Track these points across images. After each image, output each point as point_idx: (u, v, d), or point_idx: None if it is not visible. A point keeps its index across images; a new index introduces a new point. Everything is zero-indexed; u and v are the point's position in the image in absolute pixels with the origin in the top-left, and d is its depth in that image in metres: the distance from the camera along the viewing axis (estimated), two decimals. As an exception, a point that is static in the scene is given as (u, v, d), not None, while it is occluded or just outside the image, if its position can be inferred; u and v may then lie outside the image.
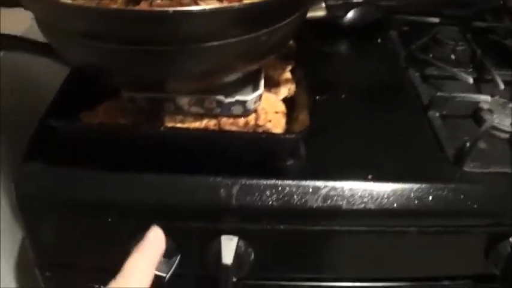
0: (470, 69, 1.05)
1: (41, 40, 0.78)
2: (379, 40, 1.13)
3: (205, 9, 0.60)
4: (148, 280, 0.55)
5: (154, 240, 0.61)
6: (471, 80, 0.96)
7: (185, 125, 0.76)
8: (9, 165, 0.93)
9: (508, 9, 1.32)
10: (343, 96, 0.90)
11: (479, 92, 1.00)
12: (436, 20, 1.16)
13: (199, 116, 0.77)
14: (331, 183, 0.75)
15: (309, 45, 0.91)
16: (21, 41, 0.85)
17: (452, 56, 1.11)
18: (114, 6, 0.66)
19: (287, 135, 0.74)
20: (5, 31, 0.83)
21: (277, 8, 0.66)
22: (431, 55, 1.09)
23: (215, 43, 0.64)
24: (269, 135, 0.74)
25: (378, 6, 0.87)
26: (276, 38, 0.69)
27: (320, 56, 0.95)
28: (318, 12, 0.77)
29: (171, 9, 0.59)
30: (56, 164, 0.75)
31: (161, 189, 0.74)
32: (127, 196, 0.74)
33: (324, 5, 0.77)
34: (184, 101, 0.75)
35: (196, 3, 0.64)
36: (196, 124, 0.76)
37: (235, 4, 0.62)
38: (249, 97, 0.75)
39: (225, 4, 0.65)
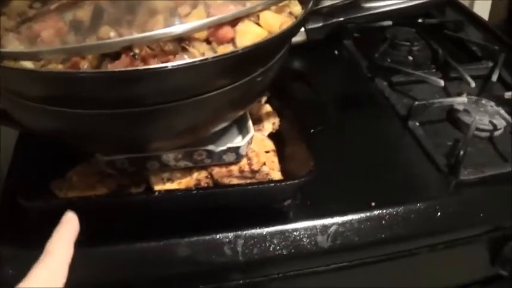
0: (434, 70, 1.06)
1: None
2: (336, 52, 1.10)
3: (206, 59, 0.55)
4: (68, 256, 0.59)
5: (68, 221, 0.63)
6: (442, 83, 0.95)
7: (174, 183, 0.71)
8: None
9: (453, 2, 1.33)
10: (328, 119, 0.87)
11: (447, 92, 1.00)
12: (389, 23, 1.14)
13: (188, 170, 0.73)
14: (338, 219, 0.73)
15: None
16: None
17: (410, 58, 1.10)
18: (86, 64, 0.58)
19: (294, 181, 0.70)
20: None
21: (275, 45, 0.64)
22: (389, 60, 1.08)
23: (209, 95, 0.59)
24: (275, 185, 0.69)
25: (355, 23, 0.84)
26: (270, 75, 0.66)
27: (288, 81, 0.90)
28: (298, 38, 0.75)
29: (169, 64, 0.54)
30: (29, 247, 0.65)
31: (157, 259, 0.68)
32: (120, 273, 0.68)
33: (303, 29, 0.73)
34: (170, 157, 0.70)
35: (185, 50, 0.59)
36: (187, 179, 0.72)
37: (233, 50, 0.58)
38: (241, 143, 0.71)
39: (215, 47, 0.60)
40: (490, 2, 1.63)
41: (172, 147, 0.70)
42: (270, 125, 0.81)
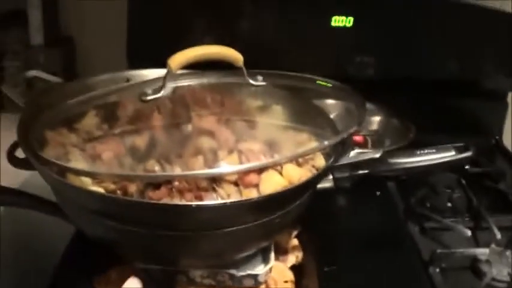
0: (467, 218, 1.12)
1: (44, 193, 0.82)
2: (378, 193, 1.19)
3: (226, 202, 0.66)
4: None
5: None
6: (469, 233, 1.01)
7: (198, 297, 0.81)
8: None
9: (501, 150, 1.41)
10: (348, 258, 0.95)
11: (477, 241, 1.06)
12: (432, 169, 1.23)
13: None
14: None
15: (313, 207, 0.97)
16: (25, 197, 0.87)
17: (449, 204, 1.17)
18: (133, 187, 0.71)
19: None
20: (2, 177, 0.86)
21: (292, 194, 0.73)
22: (428, 204, 1.15)
23: (231, 229, 0.70)
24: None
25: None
26: (290, 217, 0.76)
27: (322, 216, 1.00)
28: (326, 184, 0.84)
29: (193, 203, 0.65)
30: None
31: None
32: None
33: (331, 177, 0.83)
34: (196, 274, 0.81)
35: (214, 189, 0.70)
36: (208, 296, 0.81)
37: (254, 196, 0.69)
38: (261, 271, 0.80)
39: (242, 190, 0.71)
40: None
41: (199, 267, 0.80)
42: (294, 257, 0.90)
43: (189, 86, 0.91)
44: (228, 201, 0.67)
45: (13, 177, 0.95)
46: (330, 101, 1.00)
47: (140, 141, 0.78)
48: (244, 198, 0.69)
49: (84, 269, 0.84)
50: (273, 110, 0.88)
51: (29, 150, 0.73)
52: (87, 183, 0.71)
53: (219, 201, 0.67)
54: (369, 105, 1.21)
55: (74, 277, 0.81)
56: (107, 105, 0.87)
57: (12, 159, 0.83)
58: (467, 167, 1.29)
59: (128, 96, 0.87)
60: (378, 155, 0.79)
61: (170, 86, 0.84)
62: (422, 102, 1.38)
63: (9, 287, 1.01)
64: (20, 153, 0.80)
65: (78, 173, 0.72)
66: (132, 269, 0.84)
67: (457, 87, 1.41)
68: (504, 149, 1.44)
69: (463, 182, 1.21)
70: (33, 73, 0.96)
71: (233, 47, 0.86)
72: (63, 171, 0.71)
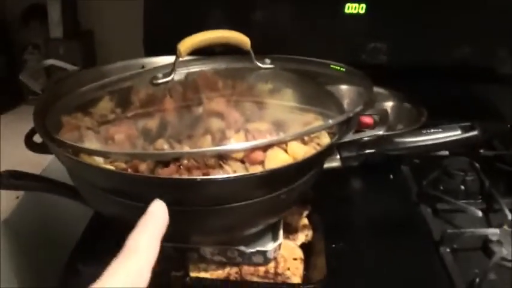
0: (479, 200, 1.14)
1: (63, 179, 0.85)
2: (391, 176, 1.21)
3: (229, 176, 0.69)
4: (153, 256, 0.55)
5: (157, 213, 0.60)
6: (480, 214, 1.03)
7: (208, 273, 0.84)
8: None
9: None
10: (358, 239, 0.98)
11: (489, 222, 1.07)
12: (445, 152, 1.25)
13: (222, 265, 0.85)
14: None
15: (323, 187, 1.00)
16: (45, 182, 0.90)
17: (462, 187, 1.18)
18: (144, 166, 0.74)
19: (305, 286, 0.82)
20: (23, 166, 0.88)
21: (296, 170, 0.76)
22: (441, 187, 1.17)
23: (238, 204, 0.72)
24: (288, 286, 0.81)
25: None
26: (295, 194, 0.78)
27: (335, 198, 1.03)
28: (333, 163, 0.86)
29: (198, 177, 0.68)
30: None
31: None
32: None
33: (338, 156, 0.86)
34: (207, 251, 0.84)
35: (221, 166, 0.73)
36: (219, 272, 0.84)
37: (257, 171, 0.71)
38: (269, 248, 0.83)
39: (247, 167, 0.74)
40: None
41: (209, 243, 0.83)
42: (304, 236, 0.93)
43: (200, 71, 0.94)
44: (232, 175, 0.70)
45: (34, 166, 0.99)
46: (344, 87, 1.02)
47: (152, 123, 0.81)
48: (249, 173, 0.71)
49: (100, 250, 0.87)
50: (283, 93, 0.90)
51: (45, 134, 0.76)
52: (100, 163, 0.75)
53: (224, 175, 0.69)
54: (381, 91, 1.25)
55: (90, 258, 0.84)
56: (121, 90, 0.91)
57: (30, 144, 0.86)
58: (481, 150, 1.30)
59: (141, 81, 0.90)
60: (381, 132, 0.81)
61: (181, 71, 0.88)
62: (436, 87, 1.39)
63: (31, 268, 1.04)
64: (38, 139, 0.83)
65: (91, 152, 0.75)
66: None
67: (472, 72, 1.42)
68: (519, 134, 1.44)
69: (477, 165, 1.22)
70: (50, 62, 0.99)
71: (248, 35, 0.90)
72: (77, 152, 0.75)
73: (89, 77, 0.93)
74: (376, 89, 1.18)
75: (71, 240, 0.92)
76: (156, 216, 0.60)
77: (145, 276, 0.53)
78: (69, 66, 0.98)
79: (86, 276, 0.80)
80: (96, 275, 0.79)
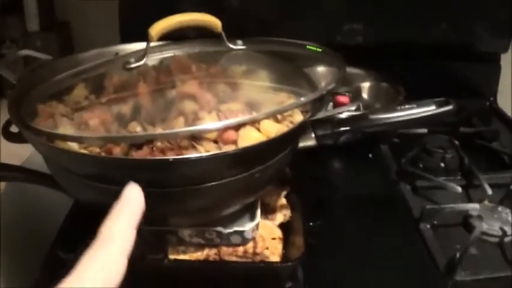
0: (459, 177, 1.15)
1: (44, 170, 0.85)
2: (370, 155, 1.22)
3: (202, 156, 0.69)
4: (129, 244, 0.53)
5: (132, 198, 0.59)
6: (459, 190, 1.04)
7: (187, 256, 0.84)
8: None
9: (496, 111, 1.43)
10: (337, 217, 0.99)
11: (469, 198, 1.09)
12: (424, 130, 1.26)
13: (200, 247, 0.86)
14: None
15: (302, 169, 1.01)
16: (24, 172, 0.91)
17: (442, 164, 1.19)
18: (118, 150, 0.74)
19: (283, 264, 0.82)
20: (5, 160, 0.90)
21: (269, 148, 0.76)
22: (421, 165, 1.18)
23: (212, 184, 0.73)
24: (267, 265, 0.82)
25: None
26: (270, 172, 0.78)
27: (314, 178, 1.05)
28: (309, 142, 0.86)
29: (171, 157, 0.69)
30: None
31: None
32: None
33: (313, 135, 0.86)
34: (185, 233, 0.84)
35: (194, 147, 0.73)
36: (198, 254, 0.85)
37: (230, 149, 0.72)
38: (247, 227, 0.84)
39: (221, 147, 0.74)
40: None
41: (187, 225, 0.83)
42: (282, 215, 0.94)
43: (173, 55, 0.95)
44: (204, 154, 0.70)
45: (15, 158, 0.99)
46: (320, 68, 1.02)
47: (126, 108, 0.81)
48: (221, 151, 0.72)
49: (81, 238, 0.87)
50: (256, 74, 0.91)
51: (20, 123, 0.76)
52: (74, 148, 0.75)
53: (196, 154, 0.70)
54: (358, 71, 1.26)
55: (71, 246, 0.84)
56: (95, 77, 0.91)
57: (7, 135, 0.87)
58: (460, 128, 1.31)
59: (115, 67, 0.90)
60: (353, 108, 0.82)
61: (155, 56, 0.88)
62: (414, 67, 1.41)
63: (12, 257, 1.05)
64: (15, 129, 0.83)
65: (65, 138, 0.75)
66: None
67: (450, 50, 1.43)
68: (498, 110, 1.46)
69: (456, 142, 1.23)
70: (24, 52, 1.00)
71: (224, 19, 0.90)
72: (52, 139, 0.75)
73: (64, 65, 0.92)
74: (353, 70, 1.21)
75: (54, 231, 0.92)
76: (131, 202, 0.58)
77: (121, 264, 0.51)
78: (44, 56, 0.98)
79: (67, 265, 0.82)
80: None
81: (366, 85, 1.34)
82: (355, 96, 0.86)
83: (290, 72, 0.93)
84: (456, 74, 1.46)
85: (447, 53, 1.45)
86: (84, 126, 0.79)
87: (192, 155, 0.70)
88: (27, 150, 0.96)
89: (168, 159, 0.68)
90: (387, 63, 1.34)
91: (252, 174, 0.75)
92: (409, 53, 1.42)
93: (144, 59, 0.85)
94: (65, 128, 0.78)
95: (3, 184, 1.09)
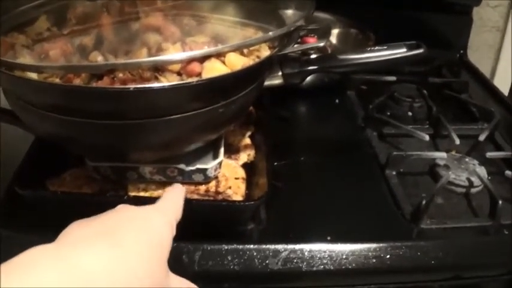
0: (427, 126, 1.14)
1: (6, 107, 0.83)
2: (337, 101, 1.21)
3: (164, 85, 0.67)
4: (179, 213, 0.65)
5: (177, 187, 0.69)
6: (427, 138, 1.03)
7: (148, 193, 0.83)
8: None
9: (465, 63, 1.43)
10: (302, 159, 0.98)
11: (437, 148, 1.08)
12: (393, 78, 1.25)
13: (162, 184, 0.84)
14: (290, 246, 0.81)
15: (268, 110, 0.99)
16: None
17: (410, 113, 1.19)
18: (78, 81, 0.72)
19: (245, 203, 0.81)
20: None
21: (234, 81, 0.74)
22: (389, 113, 1.17)
23: (174, 117, 0.71)
24: (228, 203, 0.81)
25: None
26: (234, 108, 0.77)
27: (279, 120, 1.03)
28: (275, 81, 0.85)
29: (131, 86, 0.66)
30: (24, 230, 0.79)
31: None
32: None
33: (280, 73, 0.84)
34: (146, 170, 0.82)
35: (157, 78, 0.71)
36: (159, 192, 0.83)
37: (193, 80, 0.70)
38: (209, 165, 0.82)
39: (184, 79, 0.72)
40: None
41: (148, 160, 0.82)
42: (246, 155, 0.93)
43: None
44: (166, 84, 0.68)
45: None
46: (290, 11, 1.00)
47: (88, 40, 0.80)
48: (184, 81, 0.70)
49: (40, 173, 0.85)
50: (223, 9, 0.88)
51: (-22, 55, 0.73)
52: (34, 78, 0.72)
53: (158, 84, 0.68)
54: (328, 16, 1.23)
55: (30, 180, 0.82)
56: (58, 8, 0.88)
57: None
58: (430, 79, 1.30)
59: (79, -1, 0.87)
60: (321, 44, 0.79)
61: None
62: (385, 15, 1.39)
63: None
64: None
65: (24, 67, 0.73)
66: (85, 170, 0.85)
67: (422, 1, 1.41)
68: (468, 63, 1.46)
69: (425, 92, 1.22)
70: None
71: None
72: (11, 68, 0.72)
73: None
74: (322, 15, 1.18)
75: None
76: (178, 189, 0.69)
77: (179, 211, 0.66)
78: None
79: (25, 200, 0.80)
80: (36, 199, 0.79)
81: (335, 31, 1.32)
82: (324, 32, 0.83)
83: (259, 10, 0.91)
84: (427, 24, 1.45)
85: (419, 2, 1.43)
86: (44, 56, 0.77)
87: (154, 84, 0.67)
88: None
89: (128, 88, 0.66)
90: (358, 11, 1.32)
91: (216, 108, 0.74)
92: (380, 1, 1.40)
93: (107, -12, 0.81)
94: (25, 59, 0.76)
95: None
